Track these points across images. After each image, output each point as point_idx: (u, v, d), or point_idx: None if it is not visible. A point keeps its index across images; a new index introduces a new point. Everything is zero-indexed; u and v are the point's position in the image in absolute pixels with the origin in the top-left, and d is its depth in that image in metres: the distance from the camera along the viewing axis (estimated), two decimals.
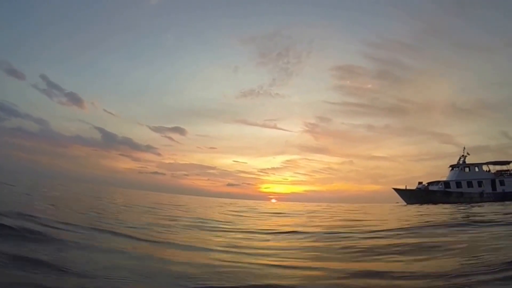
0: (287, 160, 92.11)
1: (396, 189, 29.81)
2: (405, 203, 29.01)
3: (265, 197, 75.48)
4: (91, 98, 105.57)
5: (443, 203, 26.39)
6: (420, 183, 30.04)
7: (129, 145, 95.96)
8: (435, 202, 27.16)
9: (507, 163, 31.16)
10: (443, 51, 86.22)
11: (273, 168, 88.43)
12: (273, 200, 55.83)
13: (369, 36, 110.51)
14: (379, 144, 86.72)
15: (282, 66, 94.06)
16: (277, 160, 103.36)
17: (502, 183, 29.99)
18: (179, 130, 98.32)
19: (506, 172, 31.08)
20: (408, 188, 29.74)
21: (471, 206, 20.49)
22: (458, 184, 29.32)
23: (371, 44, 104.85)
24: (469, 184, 29.42)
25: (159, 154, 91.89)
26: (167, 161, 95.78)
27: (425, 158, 67.58)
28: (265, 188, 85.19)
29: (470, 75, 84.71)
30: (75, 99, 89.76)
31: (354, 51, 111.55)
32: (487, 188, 29.47)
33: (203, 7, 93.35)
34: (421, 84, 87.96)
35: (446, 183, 29.45)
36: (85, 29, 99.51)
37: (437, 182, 29.66)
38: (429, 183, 29.91)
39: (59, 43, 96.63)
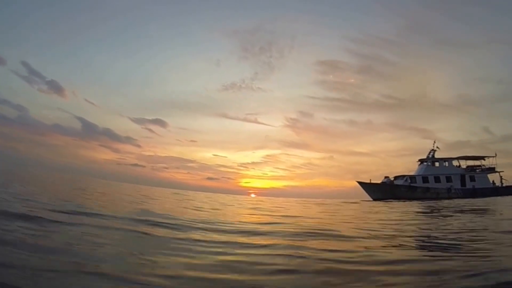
0: (267, 155, 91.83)
1: (360, 183, 28.78)
2: (371, 198, 28.05)
3: (245, 191, 75.22)
4: (72, 87, 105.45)
5: (408, 198, 25.40)
6: (386, 177, 28.98)
7: (109, 136, 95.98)
8: (400, 197, 26.17)
9: (481, 158, 29.91)
10: (426, 47, 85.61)
11: (253, 163, 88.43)
12: (253, 195, 55.18)
13: (352, 32, 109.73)
14: (361, 140, 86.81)
15: (264, 61, 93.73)
16: (257, 155, 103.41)
17: (472, 179, 28.83)
18: (159, 122, 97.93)
19: (478, 167, 29.87)
20: (372, 182, 28.67)
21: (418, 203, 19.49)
22: (425, 179, 28.21)
23: (354, 40, 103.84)
24: (437, 179, 28.31)
25: (139, 146, 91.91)
26: (147, 153, 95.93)
27: (407, 154, 67.79)
28: (245, 182, 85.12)
29: (452, 71, 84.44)
30: (56, 87, 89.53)
31: (337, 47, 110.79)
32: (456, 184, 28.34)
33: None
34: (403, 80, 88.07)
35: (412, 178, 28.36)
36: (69, 17, 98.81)
37: (403, 176, 28.56)
38: (395, 177, 28.83)
39: (42, 31, 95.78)
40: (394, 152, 71.38)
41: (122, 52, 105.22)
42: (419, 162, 29.68)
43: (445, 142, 53.90)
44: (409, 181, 28.18)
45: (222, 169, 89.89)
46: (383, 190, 27.97)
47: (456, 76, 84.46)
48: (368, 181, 28.71)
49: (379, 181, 29.07)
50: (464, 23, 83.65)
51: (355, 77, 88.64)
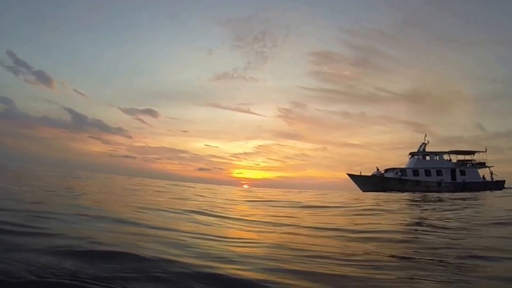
0: (260, 145, 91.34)
1: (350, 175, 28.48)
2: (361, 191, 27.75)
3: (237, 182, 74.42)
4: (61, 78, 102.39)
5: (399, 191, 25.13)
6: (377, 169, 28.72)
7: (100, 127, 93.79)
8: (390, 190, 25.88)
9: (471, 153, 29.90)
10: (422, 42, 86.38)
11: (245, 153, 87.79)
12: (245, 186, 54.62)
13: (348, 23, 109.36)
14: (354, 132, 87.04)
15: (257, 50, 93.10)
16: (250, 145, 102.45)
17: (462, 173, 28.75)
18: (151, 112, 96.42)
19: (469, 162, 29.83)
20: (363, 174, 28.39)
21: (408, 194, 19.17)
22: (415, 172, 28.03)
23: (350, 31, 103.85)
24: (427, 172, 28.15)
25: (130, 137, 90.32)
26: (138, 144, 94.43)
27: (400, 147, 68.04)
28: (237, 173, 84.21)
29: (447, 67, 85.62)
30: (43, 78, 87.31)
31: (333, 38, 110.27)
32: (446, 178, 28.22)
33: None
34: (398, 73, 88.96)
35: (402, 171, 28.16)
36: (57, 6, 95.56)
37: (394, 169, 28.33)
38: (386, 170, 28.58)
39: (29, 19, 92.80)
40: (387, 145, 71.69)
41: (111, 41, 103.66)
42: (410, 156, 29.51)
43: (438, 137, 54.32)
44: (400, 174, 27.97)
45: (214, 159, 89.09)
46: (373, 183, 27.70)
47: (451, 73, 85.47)
48: (359, 174, 28.42)
49: (371, 174, 28.81)
50: (461, 20, 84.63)
51: (349, 69, 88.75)
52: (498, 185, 28.76)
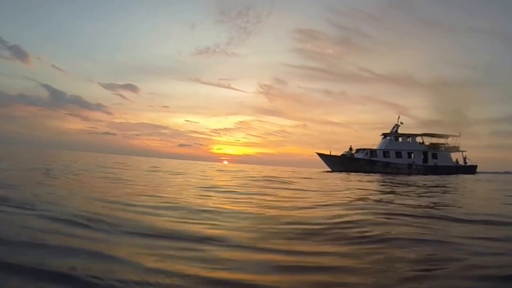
0: (240, 121, 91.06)
1: (320, 154, 27.80)
2: (331, 170, 27.14)
3: (217, 158, 73.92)
4: (38, 53, 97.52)
5: (368, 172, 24.55)
6: (350, 149, 28.04)
7: (79, 104, 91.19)
8: (359, 171, 25.28)
9: (445, 136, 29.32)
10: (407, 26, 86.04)
11: (225, 129, 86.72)
12: (225, 162, 53.96)
13: (333, 2, 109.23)
14: (335, 110, 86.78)
15: (241, 25, 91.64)
16: (230, 121, 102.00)
17: (434, 156, 28.25)
18: (131, 88, 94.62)
19: (442, 145, 29.29)
20: (333, 154, 27.71)
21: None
22: (386, 154, 27.42)
23: (335, 10, 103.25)
24: (398, 154, 27.56)
25: (110, 113, 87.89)
26: (118, 121, 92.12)
27: (380, 127, 68.42)
28: (217, 149, 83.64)
29: (431, 52, 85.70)
30: (19, 52, 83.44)
31: (317, 16, 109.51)
32: (418, 160, 27.68)
33: None
34: (381, 55, 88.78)
35: (372, 152, 27.51)
36: None
37: (364, 150, 27.70)
38: (357, 150, 27.93)
39: None
40: (367, 124, 71.46)
41: (91, 15, 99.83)
42: (383, 136, 28.84)
43: (418, 119, 54.42)
44: (369, 155, 27.33)
45: (194, 135, 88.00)
46: (342, 163, 27.07)
47: (434, 57, 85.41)
48: (329, 153, 27.73)
49: (342, 153, 28.13)
50: (447, 7, 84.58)
51: (333, 48, 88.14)
52: (470, 169, 28.36)
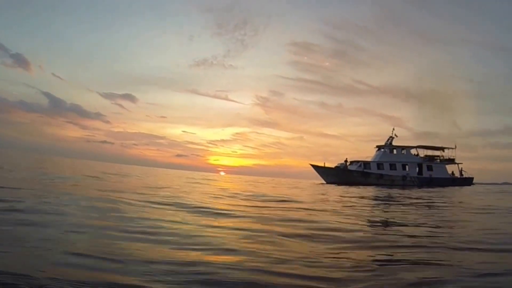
0: (237, 133, 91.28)
1: (314, 166, 28.09)
2: (325, 182, 27.38)
3: (214, 169, 74.19)
4: (39, 61, 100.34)
5: (362, 184, 24.75)
6: (345, 161, 28.28)
7: (78, 112, 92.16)
8: (353, 183, 25.50)
9: (440, 149, 29.41)
10: (401, 39, 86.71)
11: (222, 140, 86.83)
12: (222, 173, 54.33)
13: (328, 15, 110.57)
14: (331, 122, 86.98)
15: (238, 38, 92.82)
16: (227, 132, 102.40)
17: (429, 168, 28.28)
18: (129, 98, 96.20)
19: (437, 157, 29.32)
20: (327, 166, 27.99)
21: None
22: (380, 166, 27.56)
23: (330, 23, 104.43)
24: (392, 166, 27.67)
25: (108, 122, 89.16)
26: (116, 130, 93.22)
27: (376, 140, 68.39)
28: (214, 160, 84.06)
29: (425, 65, 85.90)
30: (21, 61, 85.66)
31: (313, 29, 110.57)
32: (412, 172, 27.73)
33: None
34: (376, 68, 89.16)
35: (366, 164, 27.69)
36: None
37: (358, 162, 27.90)
38: (351, 162, 28.15)
39: (7, 2, 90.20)
40: (363, 137, 71.54)
41: (91, 25, 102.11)
42: (377, 149, 29.04)
43: (414, 132, 54.45)
44: (363, 167, 27.50)
45: (191, 146, 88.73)
46: (336, 175, 27.31)
47: (429, 70, 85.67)
48: (323, 165, 28.03)
49: (336, 165, 28.38)
50: (441, 19, 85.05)
51: (329, 61, 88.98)
52: (466, 181, 28.30)
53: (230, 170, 70.71)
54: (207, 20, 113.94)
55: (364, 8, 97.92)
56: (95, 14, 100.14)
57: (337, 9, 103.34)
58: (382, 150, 28.46)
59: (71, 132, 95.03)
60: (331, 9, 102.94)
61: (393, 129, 29.00)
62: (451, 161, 29.07)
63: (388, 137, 28.87)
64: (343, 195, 11.52)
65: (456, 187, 23.96)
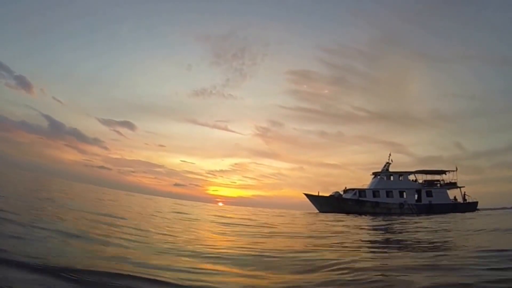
0: (236, 163, 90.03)
1: (307, 195, 28.11)
2: (319, 211, 27.30)
3: (212, 200, 74.51)
4: (41, 84, 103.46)
5: (357, 212, 24.57)
6: (344, 190, 28.07)
7: (76, 136, 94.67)
8: (348, 211, 25.35)
9: (441, 172, 28.46)
10: (399, 60, 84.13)
11: (221, 171, 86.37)
12: (220, 204, 54.93)
13: (325, 41, 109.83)
14: (331, 151, 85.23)
15: (236, 67, 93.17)
16: (226, 163, 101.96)
17: (429, 194, 27.46)
18: (128, 125, 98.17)
19: (437, 182, 28.35)
20: (321, 194, 27.92)
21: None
22: (375, 193, 27.14)
23: (328, 50, 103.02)
24: (389, 193, 27.18)
25: (106, 148, 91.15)
26: (114, 156, 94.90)
27: (376, 167, 66.04)
28: (212, 190, 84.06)
29: (425, 85, 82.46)
30: (23, 83, 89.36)
31: (311, 56, 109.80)
32: (410, 199, 27.06)
33: (159, 0, 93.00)
34: (375, 93, 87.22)
35: (361, 191, 27.37)
36: (40, 13, 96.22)
37: (353, 190, 27.63)
38: (346, 190, 27.93)
39: (11, 23, 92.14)
40: (364, 165, 69.79)
41: (92, 51, 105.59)
42: (373, 176, 28.60)
43: (416, 157, 52.34)
44: (358, 195, 27.19)
45: (190, 175, 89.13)
46: (330, 203, 27.19)
47: (429, 90, 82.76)
48: (317, 194, 28.00)
49: (330, 194, 28.26)
50: (439, 37, 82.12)
51: (327, 88, 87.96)
52: (470, 207, 27.08)
53: (229, 201, 71.31)
54: (205, 49, 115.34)
55: (360, 31, 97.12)
56: (96, 39, 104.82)
57: (334, 34, 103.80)
58: (378, 177, 28.04)
59: (69, 155, 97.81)
60: (327, 35, 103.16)
61: (390, 154, 28.63)
62: (453, 185, 28.01)
63: (384, 163, 28.40)
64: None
65: (458, 213, 23.09)
